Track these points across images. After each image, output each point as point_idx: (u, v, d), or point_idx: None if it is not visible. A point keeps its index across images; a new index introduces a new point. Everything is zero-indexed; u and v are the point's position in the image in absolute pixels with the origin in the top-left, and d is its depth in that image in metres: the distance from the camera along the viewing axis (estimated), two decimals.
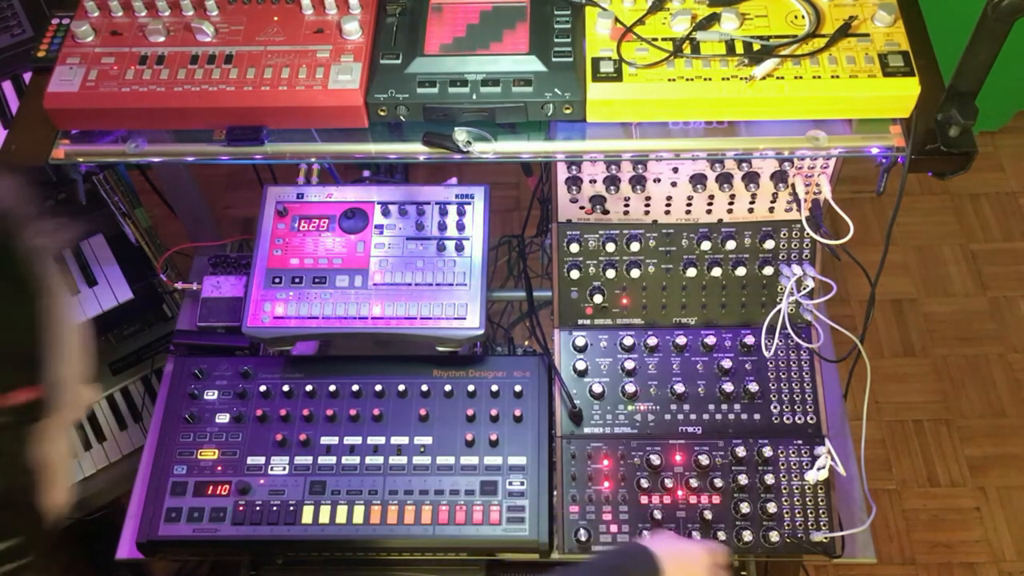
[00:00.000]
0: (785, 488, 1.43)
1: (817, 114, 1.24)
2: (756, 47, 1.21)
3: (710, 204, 1.49)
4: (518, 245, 1.86)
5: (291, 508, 1.41)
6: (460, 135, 1.26)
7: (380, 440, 1.46)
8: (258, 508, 1.41)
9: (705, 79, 1.20)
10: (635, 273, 1.52)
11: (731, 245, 1.51)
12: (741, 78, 1.19)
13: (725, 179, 1.41)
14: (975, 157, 1.23)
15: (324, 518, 1.40)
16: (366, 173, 1.73)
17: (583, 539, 1.40)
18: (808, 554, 1.43)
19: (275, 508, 1.41)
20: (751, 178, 1.41)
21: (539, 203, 1.81)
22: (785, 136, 1.28)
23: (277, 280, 1.49)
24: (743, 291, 1.53)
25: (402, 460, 1.44)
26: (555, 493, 1.43)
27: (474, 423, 1.47)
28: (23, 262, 0.63)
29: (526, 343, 1.90)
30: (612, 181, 1.44)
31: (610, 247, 1.52)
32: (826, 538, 1.40)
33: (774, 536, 1.40)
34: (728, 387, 1.46)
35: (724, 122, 1.29)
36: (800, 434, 1.46)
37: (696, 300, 1.53)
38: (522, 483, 1.42)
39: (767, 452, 1.43)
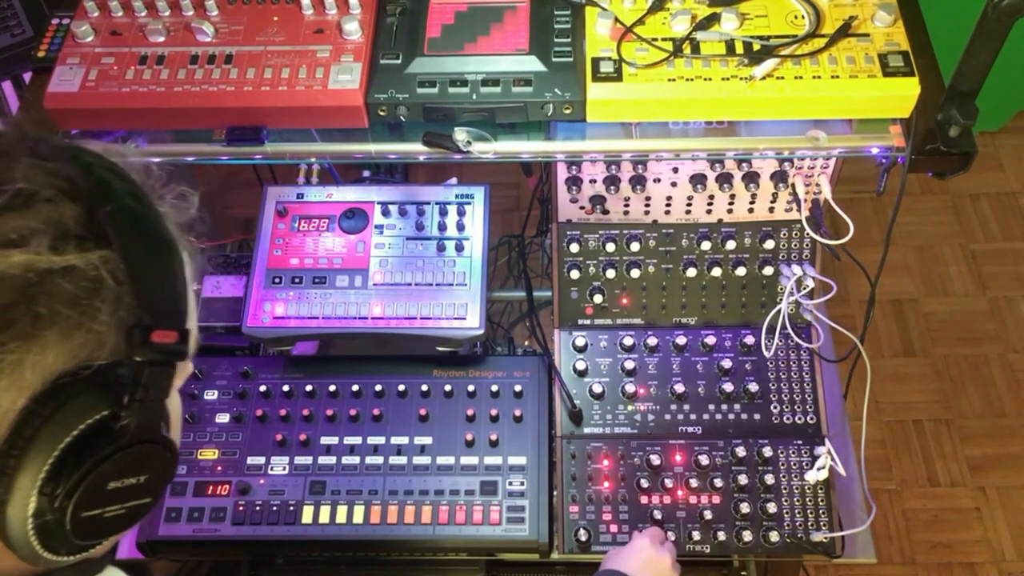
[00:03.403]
0: (785, 488, 1.43)
1: (817, 114, 1.24)
2: (756, 47, 1.21)
3: (710, 204, 1.49)
4: (518, 245, 1.86)
5: (291, 508, 1.41)
6: (460, 135, 1.26)
7: (380, 440, 1.46)
8: (258, 508, 1.41)
9: (705, 79, 1.20)
10: (635, 273, 1.52)
11: (731, 245, 1.51)
12: (741, 78, 1.19)
13: (725, 179, 1.41)
14: (975, 157, 1.23)
15: (324, 518, 1.40)
16: (366, 173, 1.73)
17: (583, 539, 1.40)
18: (808, 554, 1.43)
19: (275, 508, 1.41)
20: (751, 178, 1.41)
21: (539, 203, 1.82)
22: (785, 136, 1.28)
23: (277, 280, 1.49)
24: (743, 291, 1.53)
25: (402, 460, 1.44)
26: (555, 493, 1.43)
27: (474, 423, 1.47)
28: (162, 221, 0.71)
29: (526, 343, 1.90)
30: (612, 181, 1.44)
31: (610, 247, 1.52)
32: (826, 538, 1.40)
33: (774, 536, 1.40)
34: (728, 387, 1.46)
35: (724, 122, 1.29)
36: (800, 434, 1.46)
37: (696, 300, 1.53)
38: (522, 483, 1.42)
39: (767, 452, 1.43)
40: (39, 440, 0.62)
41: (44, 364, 0.62)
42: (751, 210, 1.50)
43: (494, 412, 1.47)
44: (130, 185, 0.70)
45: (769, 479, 1.41)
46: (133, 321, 0.65)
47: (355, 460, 1.45)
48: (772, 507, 1.40)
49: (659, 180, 1.45)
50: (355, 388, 1.50)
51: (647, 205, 1.50)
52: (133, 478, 0.68)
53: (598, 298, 1.52)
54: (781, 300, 1.49)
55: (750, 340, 1.51)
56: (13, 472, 0.61)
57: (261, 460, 1.45)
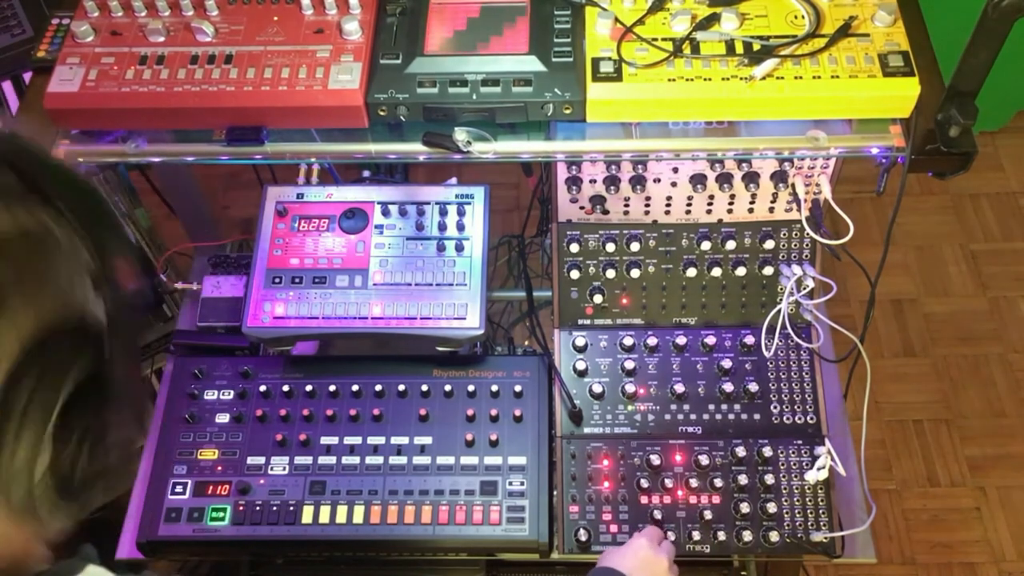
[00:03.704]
0: (785, 488, 1.43)
1: (817, 114, 1.24)
2: (756, 47, 1.21)
3: (710, 204, 1.49)
4: (518, 245, 1.86)
5: (291, 508, 1.41)
6: (460, 135, 1.27)
7: (380, 440, 1.46)
8: (258, 508, 1.41)
9: (705, 79, 1.20)
10: (635, 273, 1.52)
11: (731, 245, 1.51)
12: (741, 78, 1.19)
13: (725, 179, 1.41)
14: (975, 157, 1.23)
15: (324, 518, 1.40)
16: (366, 173, 1.73)
17: (583, 539, 1.40)
18: (808, 554, 1.43)
19: (275, 508, 1.41)
20: (751, 178, 1.41)
21: (539, 203, 1.82)
22: (785, 136, 1.28)
23: (277, 280, 1.49)
24: (743, 291, 1.53)
25: (402, 460, 1.44)
26: (555, 493, 1.43)
27: (474, 423, 1.47)
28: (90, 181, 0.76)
29: (526, 343, 1.90)
30: (612, 181, 1.44)
31: (610, 247, 1.52)
32: (826, 538, 1.40)
33: (774, 536, 1.40)
34: (728, 387, 1.46)
35: (724, 122, 1.30)
36: (800, 434, 1.46)
37: (696, 300, 1.53)
38: (522, 483, 1.42)
39: (767, 452, 1.43)
40: (33, 408, 0.62)
41: (17, 331, 0.62)
42: (751, 210, 1.50)
43: (494, 412, 1.47)
44: (49, 155, 0.73)
45: (769, 479, 1.41)
46: (93, 273, 0.67)
47: (355, 460, 1.45)
48: (772, 507, 1.40)
49: (659, 180, 1.45)
50: (355, 388, 1.50)
51: (647, 205, 1.50)
52: (125, 422, 0.70)
53: (598, 298, 1.52)
54: (781, 300, 1.49)
55: (750, 340, 1.51)
56: (16, 440, 0.62)
57: (261, 460, 1.45)
